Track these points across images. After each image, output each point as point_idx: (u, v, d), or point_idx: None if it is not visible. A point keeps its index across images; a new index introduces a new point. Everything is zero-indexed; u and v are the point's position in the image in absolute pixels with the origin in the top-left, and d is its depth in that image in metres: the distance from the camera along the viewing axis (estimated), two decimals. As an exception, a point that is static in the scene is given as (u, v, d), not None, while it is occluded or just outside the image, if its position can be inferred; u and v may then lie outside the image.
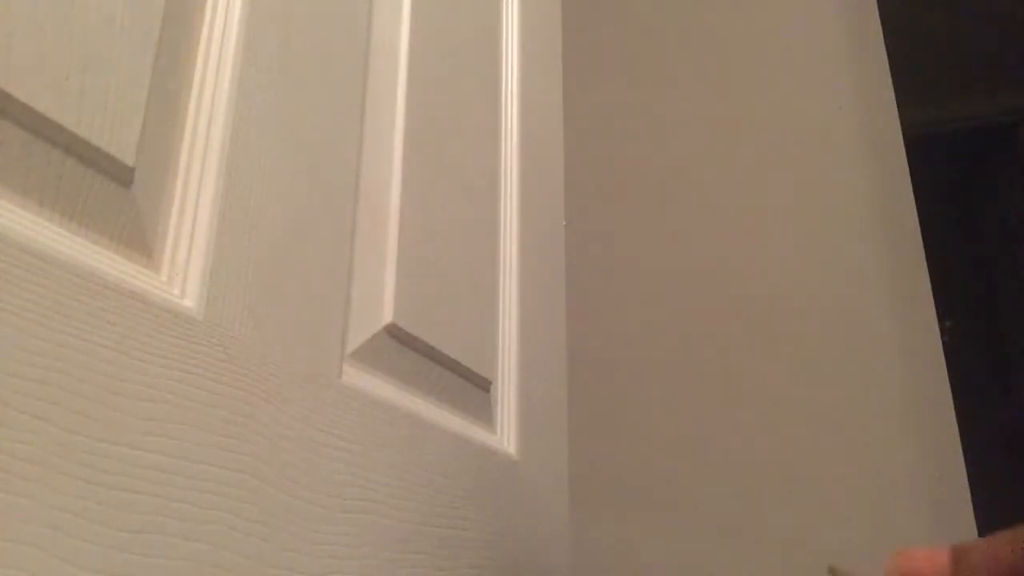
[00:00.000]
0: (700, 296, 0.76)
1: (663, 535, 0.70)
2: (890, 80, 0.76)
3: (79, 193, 0.33)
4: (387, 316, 0.51)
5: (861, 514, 0.65)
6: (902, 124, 0.74)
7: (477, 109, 0.68)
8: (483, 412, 0.62)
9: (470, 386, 0.60)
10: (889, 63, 0.76)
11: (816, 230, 0.74)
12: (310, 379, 0.43)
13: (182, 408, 0.35)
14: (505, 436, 0.64)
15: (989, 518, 0.59)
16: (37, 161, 0.32)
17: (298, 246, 0.44)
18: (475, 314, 0.62)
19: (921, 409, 0.66)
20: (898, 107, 0.75)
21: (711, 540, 0.68)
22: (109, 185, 0.34)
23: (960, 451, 0.63)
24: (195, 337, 0.36)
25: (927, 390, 0.66)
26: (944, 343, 0.68)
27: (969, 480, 0.63)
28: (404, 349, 0.53)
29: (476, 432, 0.60)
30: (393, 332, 0.51)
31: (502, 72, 0.75)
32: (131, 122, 0.35)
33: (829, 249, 0.73)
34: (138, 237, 0.36)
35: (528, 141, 0.76)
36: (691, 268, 0.77)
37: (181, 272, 0.37)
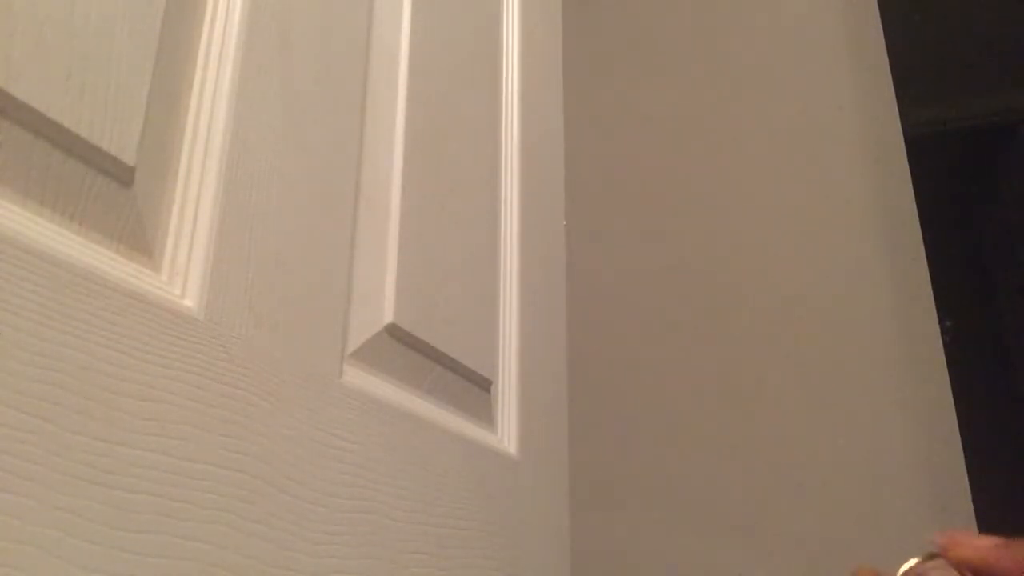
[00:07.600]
0: (700, 296, 0.76)
1: (663, 535, 0.70)
2: (890, 80, 0.76)
3: (79, 193, 0.33)
4: (387, 316, 0.51)
5: (861, 513, 0.65)
6: (902, 124, 0.74)
7: (477, 109, 0.68)
8: (483, 412, 0.62)
9: (470, 386, 0.60)
10: (889, 63, 0.76)
11: (816, 230, 0.74)
12: (310, 379, 0.43)
13: (182, 408, 0.35)
14: (505, 436, 0.64)
15: (989, 517, 0.59)
16: (37, 161, 0.32)
17: (298, 246, 0.44)
18: (475, 314, 0.62)
19: (921, 409, 0.66)
20: (898, 107, 0.74)
21: (711, 540, 0.68)
22: (109, 185, 0.34)
23: (960, 451, 0.63)
24: (195, 337, 0.36)
25: (927, 390, 0.66)
26: (944, 343, 0.67)
27: (969, 480, 0.63)
28: (404, 349, 0.53)
29: (476, 432, 0.60)
30: (393, 332, 0.51)
31: (502, 72, 0.75)
32: (131, 122, 0.35)
33: (829, 249, 0.73)
34: (138, 237, 0.36)
35: (528, 141, 0.76)
36: (691, 268, 0.77)
37: (181, 272, 0.37)
